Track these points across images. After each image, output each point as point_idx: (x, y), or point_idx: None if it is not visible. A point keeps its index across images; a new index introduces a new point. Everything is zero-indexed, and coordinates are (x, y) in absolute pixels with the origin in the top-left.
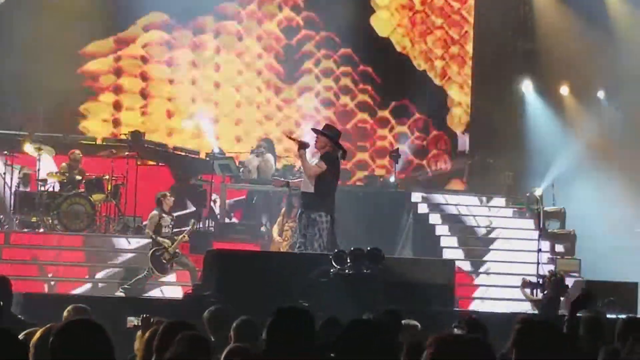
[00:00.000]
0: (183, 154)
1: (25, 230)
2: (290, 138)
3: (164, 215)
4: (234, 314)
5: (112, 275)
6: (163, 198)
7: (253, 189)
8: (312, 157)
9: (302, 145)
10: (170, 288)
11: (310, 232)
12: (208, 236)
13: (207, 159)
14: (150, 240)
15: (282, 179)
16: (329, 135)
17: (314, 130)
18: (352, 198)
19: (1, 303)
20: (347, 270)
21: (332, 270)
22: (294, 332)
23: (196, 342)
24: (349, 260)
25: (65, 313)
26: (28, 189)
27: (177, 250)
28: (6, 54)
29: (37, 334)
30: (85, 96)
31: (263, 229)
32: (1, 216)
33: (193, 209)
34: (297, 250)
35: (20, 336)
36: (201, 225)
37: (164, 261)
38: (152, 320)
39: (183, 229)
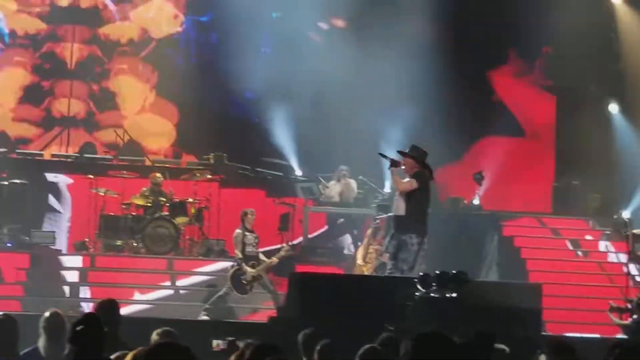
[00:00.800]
0: (266, 176)
1: (110, 254)
2: (382, 156)
3: (246, 233)
4: (324, 337)
5: (195, 298)
6: (245, 216)
7: (335, 212)
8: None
9: (394, 164)
10: (254, 311)
11: (400, 255)
12: (290, 259)
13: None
14: (235, 258)
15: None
16: (415, 156)
17: (400, 152)
18: (436, 220)
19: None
20: (432, 294)
21: (417, 294)
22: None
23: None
24: (434, 284)
25: (154, 336)
26: (112, 213)
27: (260, 273)
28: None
29: (129, 357)
30: None
31: (346, 251)
32: (87, 239)
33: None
34: (388, 272)
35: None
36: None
37: (244, 282)
38: (237, 343)
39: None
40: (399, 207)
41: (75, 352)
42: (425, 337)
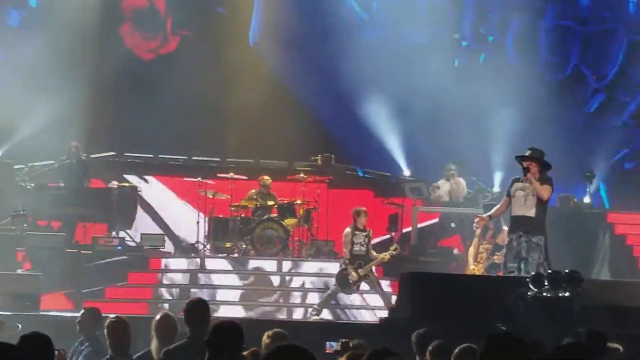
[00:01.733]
0: (374, 177)
1: (220, 255)
2: (520, 159)
3: (357, 232)
4: (438, 337)
5: (304, 299)
6: (357, 215)
7: (444, 212)
8: None
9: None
10: (363, 312)
11: (533, 256)
12: (400, 259)
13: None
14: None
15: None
16: (539, 159)
17: (524, 157)
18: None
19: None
20: (545, 294)
21: (529, 294)
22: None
23: None
24: (546, 283)
25: (265, 338)
26: (221, 215)
27: (367, 273)
28: (199, 79)
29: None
30: None
31: (456, 251)
32: (197, 242)
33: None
34: (508, 273)
35: None
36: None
37: (350, 281)
38: (350, 344)
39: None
40: (529, 209)
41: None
42: (496, 338)
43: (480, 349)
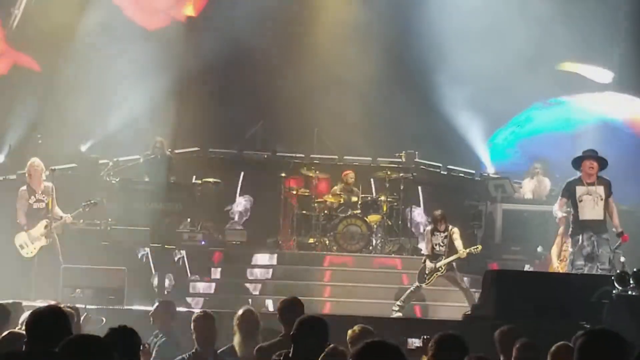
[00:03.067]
0: (458, 174)
1: (302, 251)
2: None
3: (436, 233)
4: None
5: (387, 295)
6: (435, 220)
7: (527, 209)
8: None
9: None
10: (446, 308)
11: (605, 248)
12: (484, 257)
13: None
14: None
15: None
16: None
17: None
18: (631, 217)
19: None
20: (630, 292)
21: (614, 292)
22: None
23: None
24: (631, 282)
25: (350, 333)
26: (304, 211)
27: (449, 269)
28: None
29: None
30: None
31: (539, 249)
32: (279, 237)
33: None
34: (575, 271)
35: None
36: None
37: (426, 273)
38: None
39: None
40: (599, 213)
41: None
42: (595, 334)
43: (579, 344)
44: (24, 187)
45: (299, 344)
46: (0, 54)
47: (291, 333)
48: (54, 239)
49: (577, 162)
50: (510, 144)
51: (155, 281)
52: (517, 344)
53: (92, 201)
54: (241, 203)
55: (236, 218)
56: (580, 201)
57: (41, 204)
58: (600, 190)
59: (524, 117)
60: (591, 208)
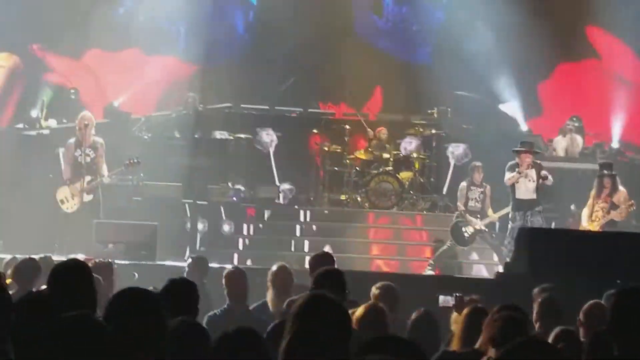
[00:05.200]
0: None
1: (334, 208)
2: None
3: (472, 187)
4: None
5: (417, 252)
6: (473, 169)
7: (560, 167)
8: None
9: None
10: (479, 266)
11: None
12: None
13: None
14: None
15: None
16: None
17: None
18: None
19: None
20: None
21: None
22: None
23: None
24: None
25: (373, 290)
26: (336, 168)
27: (483, 227)
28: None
29: (361, 312)
30: None
31: (573, 207)
32: (311, 196)
33: None
34: None
35: None
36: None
37: (465, 234)
38: (465, 299)
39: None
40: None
41: None
42: (628, 292)
43: (612, 302)
44: (72, 140)
45: None
46: None
47: (310, 289)
48: (98, 195)
49: (516, 152)
50: None
51: (188, 225)
52: (539, 298)
53: (135, 160)
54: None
55: (281, 200)
56: (517, 182)
57: (87, 158)
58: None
59: None
60: (525, 189)
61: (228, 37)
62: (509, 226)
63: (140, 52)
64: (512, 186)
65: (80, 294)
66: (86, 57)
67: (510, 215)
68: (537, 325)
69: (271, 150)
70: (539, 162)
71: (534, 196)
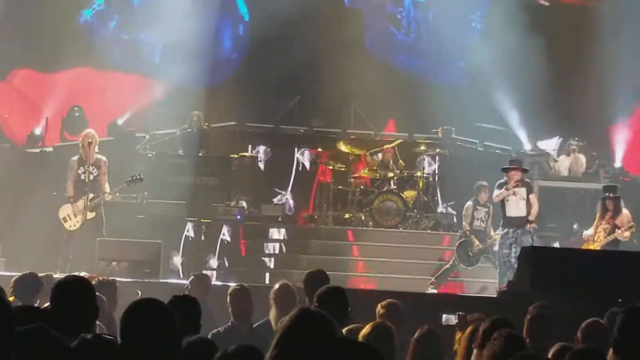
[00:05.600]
0: (495, 151)
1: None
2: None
3: (478, 207)
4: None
5: (424, 271)
6: (478, 190)
7: (564, 187)
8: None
9: None
10: (481, 285)
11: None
12: None
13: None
14: (463, 230)
15: None
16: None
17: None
18: None
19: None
20: None
21: None
22: None
23: (514, 340)
24: None
25: (379, 309)
26: (340, 187)
27: (488, 247)
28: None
29: (367, 329)
30: None
31: (575, 226)
32: (316, 215)
33: None
34: None
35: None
36: None
37: (470, 254)
38: (467, 318)
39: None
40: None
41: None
42: (636, 311)
43: (620, 321)
44: (75, 157)
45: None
46: None
47: (314, 305)
48: (101, 213)
49: (504, 170)
50: None
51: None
52: (527, 315)
53: (137, 176)
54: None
55: (286, 210)
56: (507, 201)
57: (90, 176)
58: (523, 191)
59: None
60: (515, 206)
61: (230, 56)
62: (498, 243)
63: (138, 76)
64: (502, 204)
65: (82, 309)
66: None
67: (499, 232)
68: (527, 341)
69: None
70: (528, 181)
71: (524, 214)
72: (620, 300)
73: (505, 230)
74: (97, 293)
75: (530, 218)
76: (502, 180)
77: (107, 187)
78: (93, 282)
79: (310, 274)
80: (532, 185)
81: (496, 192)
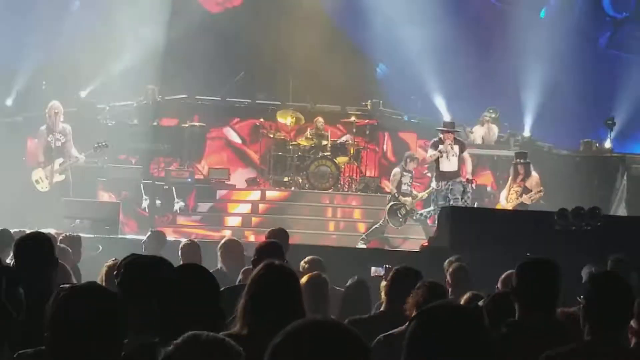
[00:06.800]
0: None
1: (278, 188)
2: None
3: (404, 173)
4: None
5: (351, 228)
6: (410, 159)
7: (478, 153)
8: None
9: None
10: (406, 241)
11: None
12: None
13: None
14: (389, 195)
15: None
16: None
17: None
18: (571, 162)
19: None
20: (570, 227)
21: (556, 227)
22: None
23: (435, 289)
24: (570, 218)
25: (302, 264)
26: (280, 153)
27: (413, 207)
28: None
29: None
30: None
31: (489, 189)
32: (257, 176)
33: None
34: None
35: None
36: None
37: (399, 215)
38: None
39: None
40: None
41: None
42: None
43: (516, 271)
44: (44, 127)
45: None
46: None
47: (252, 259)
48: (68, 176)
49: (440, 131)
50: None
51: (146, 204)
52: (450, 268)
53: (103, 143)
54: None
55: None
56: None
57: (58, 143)
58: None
59: None
60: (447, 162)
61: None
62: (432, 195)
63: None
64: (437, 161)
65: (42, 262)
66: None
67: (433, 186)
68: (450, 291)
69: None
70: (461, 139)
71: (456, 169)
72: (528, 254)
73: (438, 184)
74: (63, 245)
75: (468, 176)
76: (436, 139)
77: (75, 152)
78: (60, 237)
79: (272, 231)
80: (465, 144)
81: (430, 151)
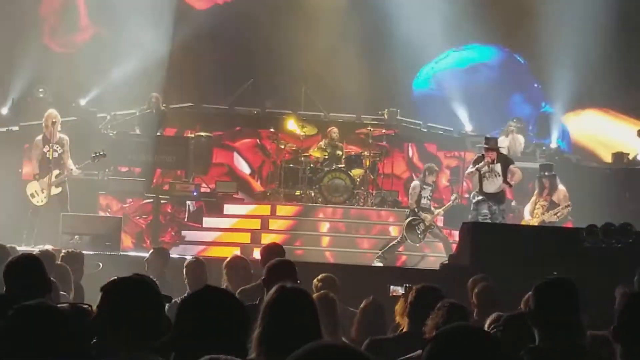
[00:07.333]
0: (438, 131)
1: (289, 203)
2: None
3: (425, 186)
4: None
5: (370, 246)
6: (429, 171)
7: None
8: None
9: None
10: (426, 258)
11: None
12: (461, 210)
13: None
14: (408, 209)
15: None
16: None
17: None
18: (601, 175)
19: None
20: (599, 244)
21: (585, 244)
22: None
23: (456, 310)
24: (600, 235)
25: (315, 282)
26: (292, 165)
27: (433, 223)
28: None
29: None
30: None
31: (514, 203)
32: (268, 189)
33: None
34: None
35: None
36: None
37: (417, 231)
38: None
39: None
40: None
41: None
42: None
43: (534, 290)
44: (40, 137)
45: (266, 286)
46: None
47: (262, 278)
48: (65, 189)
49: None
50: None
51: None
52: (475, 288)
53: (100, 153)
54: None
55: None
56: (484, 177)
57: (54, 154)
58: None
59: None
60: (491, 183)
61: (191, 40)
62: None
63: None
64: (480, 179)
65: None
66: None
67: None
68: (474, 313)
69: None
70: (504, 154)
71: (497, 190)
72: (555, 273)
73: (482, 198)
74: (62, 263)
75: (511, 182)
76: (479, 155)
77: (71, 164)
78: (61, 254)
79: (266, 247)
80: (509, 160)
81: (470, 168)
